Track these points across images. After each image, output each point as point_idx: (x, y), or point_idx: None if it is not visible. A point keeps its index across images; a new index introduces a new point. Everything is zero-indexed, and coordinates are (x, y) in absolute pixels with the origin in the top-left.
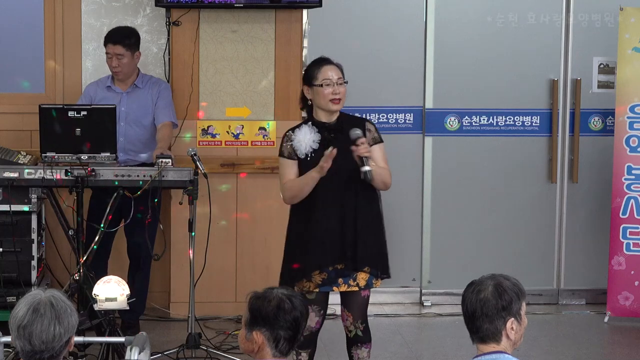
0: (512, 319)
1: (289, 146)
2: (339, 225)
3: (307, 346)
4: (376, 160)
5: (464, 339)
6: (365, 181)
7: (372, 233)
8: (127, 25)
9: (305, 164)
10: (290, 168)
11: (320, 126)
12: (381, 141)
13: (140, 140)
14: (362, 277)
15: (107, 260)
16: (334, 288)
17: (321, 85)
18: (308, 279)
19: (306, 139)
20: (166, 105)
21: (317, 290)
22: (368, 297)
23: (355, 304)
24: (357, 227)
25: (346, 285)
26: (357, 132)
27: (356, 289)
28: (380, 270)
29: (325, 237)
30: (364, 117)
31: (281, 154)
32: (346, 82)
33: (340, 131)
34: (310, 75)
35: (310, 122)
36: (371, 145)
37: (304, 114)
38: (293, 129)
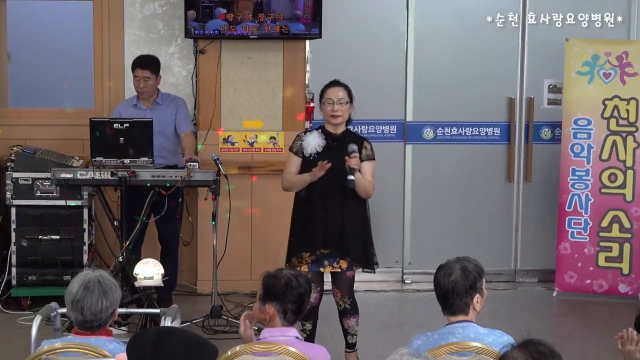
0: (477, 294)
1: (298, 144)
2: (326, 218)
3: (309, 318)
4: (364, 173)
5: (437, 310)
6: (348, 187)
7: (356, 228)
8: (160, 53)
9: (308, 162)
10: (293, 162)
11: (327, 134)
12: (373, 159)
13: (165, 147)
14: (343, 262)
15: (141, 246)
16: (321, 268)
17: (324, 104)
18: (300, 261)
19: (314, 142)
20: (185, 117)
21: (308, 270)
22: (353, 276)
23: (342, 283)
24: (343, 220)
25: (330, 267)
26: (354, 147)
27: (339, 270)
28: (363, 265)
29: (316, 226)
30: (362, 135)
31: (291, 149)
32: (348, 102)
33: (343, 142)
34: (321, 94)
35: (320, 129)
36: (363, 161)
37: (307, 125)
38: (306, 132)
